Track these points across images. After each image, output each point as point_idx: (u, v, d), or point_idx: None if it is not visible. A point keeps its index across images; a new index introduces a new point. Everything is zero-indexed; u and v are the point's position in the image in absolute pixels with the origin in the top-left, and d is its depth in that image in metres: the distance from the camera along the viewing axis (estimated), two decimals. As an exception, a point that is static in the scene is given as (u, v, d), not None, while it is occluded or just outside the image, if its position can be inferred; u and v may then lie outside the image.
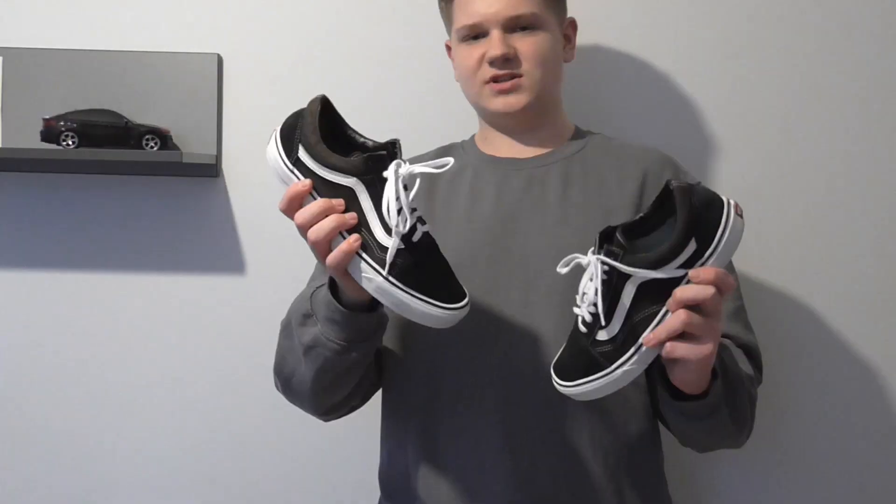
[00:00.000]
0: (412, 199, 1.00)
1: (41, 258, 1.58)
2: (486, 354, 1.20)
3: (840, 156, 1.59)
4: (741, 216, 1.02)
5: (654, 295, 1.01)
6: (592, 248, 1.03)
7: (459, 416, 1.20)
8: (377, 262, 1.00)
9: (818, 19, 1.59)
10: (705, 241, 1.00)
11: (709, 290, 0.98)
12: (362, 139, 1.07)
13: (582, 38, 1.42)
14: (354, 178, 1.00)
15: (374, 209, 1.00)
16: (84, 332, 1.59)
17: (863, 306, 1.59)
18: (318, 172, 1.01)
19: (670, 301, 0.99)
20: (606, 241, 1.02)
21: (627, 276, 1.00)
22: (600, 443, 1.19)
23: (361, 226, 1.00)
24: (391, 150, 1.01)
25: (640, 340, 1.01)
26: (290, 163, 1.03)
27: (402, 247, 0.99)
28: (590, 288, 1.03)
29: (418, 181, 1.01)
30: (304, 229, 1.02)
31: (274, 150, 1.05)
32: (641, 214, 1.05)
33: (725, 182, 1.58)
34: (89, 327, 1.59)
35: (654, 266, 0.99)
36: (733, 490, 1.59)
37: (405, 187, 1.00)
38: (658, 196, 1.05)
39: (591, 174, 1.28)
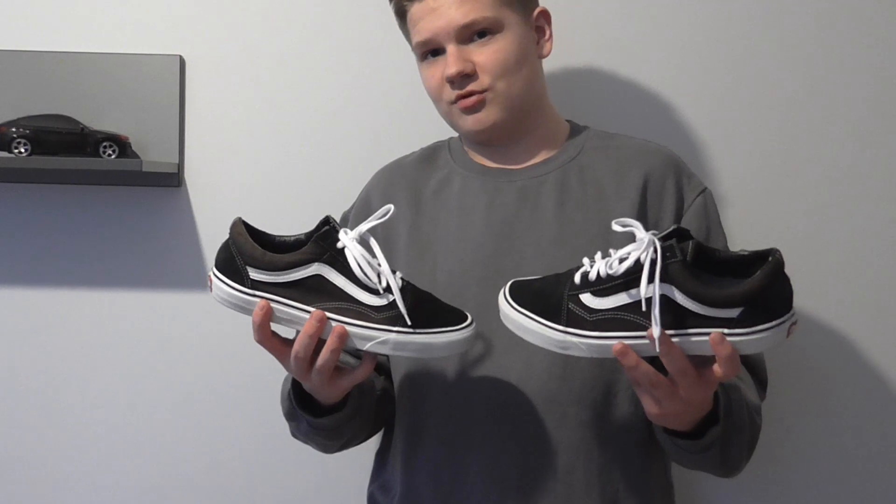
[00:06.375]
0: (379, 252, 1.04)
1: (-8, 271, 1.54)
2: (476, 383, 1.16)
3: (841, 156, 1.55)
4: (789, 335, 0.97)
5: (663, 317, 0.94)
6: (653, 232, 0.97)
7: (447, 446, 1.17)
8: (384, 323, 1.02)
9: (819, 17, 1.56)
10: (750, 320, 0.94)
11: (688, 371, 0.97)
12: (291, 238, 1.07)
13: (576, 29, 1.36)
14: (316, 263, 1.03)
15: (349, 281, 1.02)
16: (37, 351, 1.54)
17: (864, 312, 1.55)
18: (278, 281, 1.03)
19: (661, 340, 0.94)
20: (677, 237, 0.95)
21: (661, 279, 0.94)
22: (597, 474, 1.16)
23: (344, 300, 1.02)
24: (331, 224, 1.04)
25: (611, 343, 0.96)
26: (248, 288, 1.04)
27: (401, 297, 1.02)
28: (627, 254, 0.96)
29: (372, 236, 1.05)
30: (304, 362, 1.03)
31: (223, 288, 1.05)
32: (725, 251, 0.99)
33: (725, 179, 1.54)
34: (42, 346, 1.55)
35: (694, 295, 0.93)
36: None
37: (369, 250, 1.04)
38: (755, 251, 0.97)
39: (589, 184, 1.22)
